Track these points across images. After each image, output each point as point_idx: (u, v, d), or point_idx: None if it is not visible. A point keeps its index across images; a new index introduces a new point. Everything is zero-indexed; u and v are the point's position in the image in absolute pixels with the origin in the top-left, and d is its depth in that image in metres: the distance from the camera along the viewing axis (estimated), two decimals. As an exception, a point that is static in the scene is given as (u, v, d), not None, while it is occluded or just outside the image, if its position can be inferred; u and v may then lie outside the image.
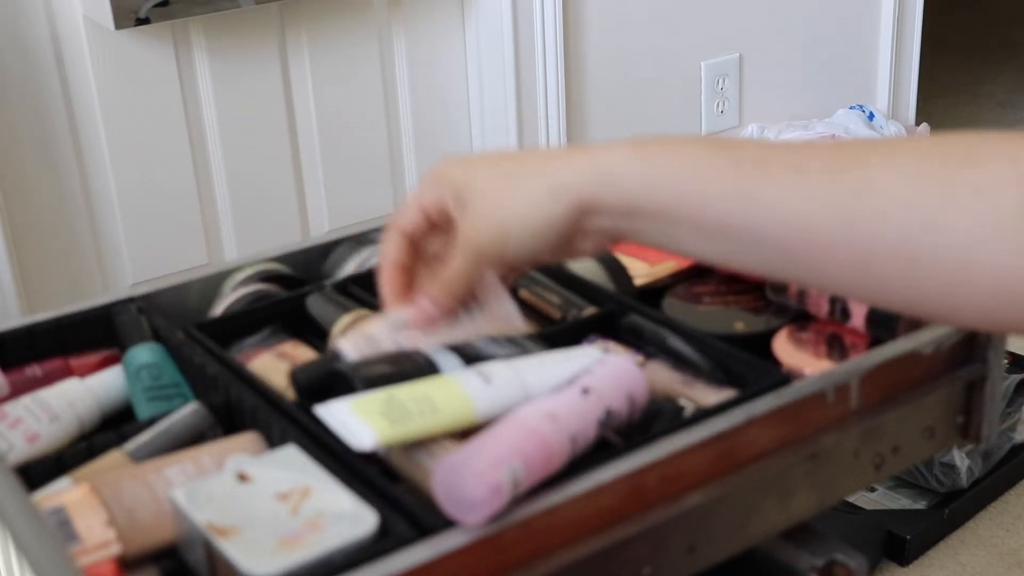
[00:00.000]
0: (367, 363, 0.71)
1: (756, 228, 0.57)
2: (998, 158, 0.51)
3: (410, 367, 0.70)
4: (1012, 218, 0.50)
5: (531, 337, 0.76)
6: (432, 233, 0.71)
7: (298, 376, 0.72)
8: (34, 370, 0.79)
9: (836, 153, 0.56)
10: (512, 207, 0.64)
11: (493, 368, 0.68)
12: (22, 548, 0.56)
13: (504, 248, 0.65)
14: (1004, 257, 0.50)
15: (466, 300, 0.71)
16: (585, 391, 0.65)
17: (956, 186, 0.51)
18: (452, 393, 0.65)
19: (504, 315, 0.73)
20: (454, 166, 0.68)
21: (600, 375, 0.66)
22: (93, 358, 0.80)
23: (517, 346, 0.74)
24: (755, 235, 0.57)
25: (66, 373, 0.78)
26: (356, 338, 0.74)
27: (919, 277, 0.52)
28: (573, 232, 0.64)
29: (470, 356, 0.72)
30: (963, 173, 0.52)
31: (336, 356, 0.72)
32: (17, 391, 0.77)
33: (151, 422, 0.72)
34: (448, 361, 0.71)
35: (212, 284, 0.88)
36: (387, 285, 0.72)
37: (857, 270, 0.55)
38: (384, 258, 0.72)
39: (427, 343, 0.72)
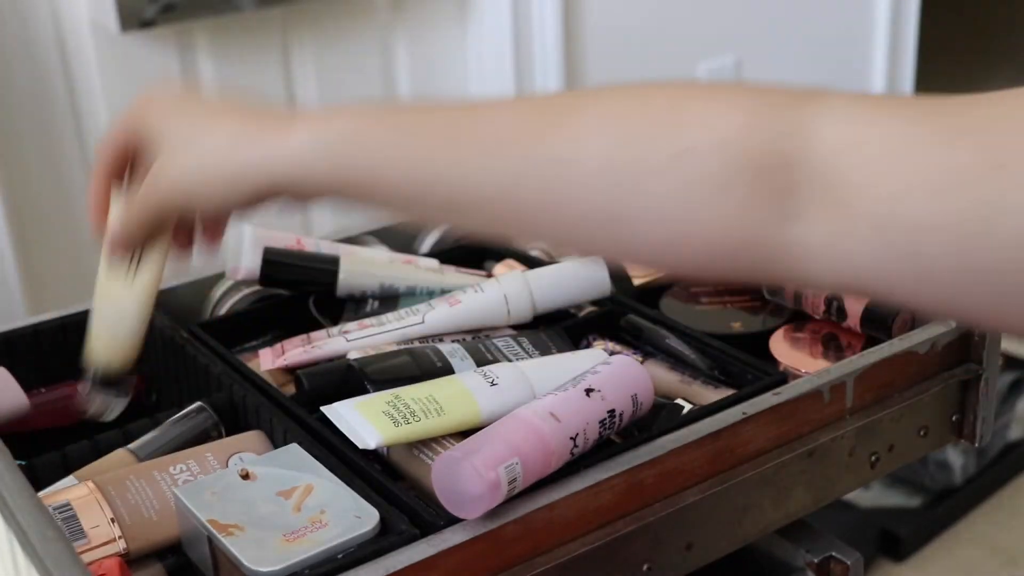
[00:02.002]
0: (377, 359, 0.71)
1: (458, 205, 0.55)
2: (698, 121, 0.50)
3: (420, 366, 0.71)
4: (707, 185, 0.49)
5: (552, 334, 0.77)
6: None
7: (305, 381, 0.71)
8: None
9: (546, 108, 0.54)
10: (200, 173, 0.61)
11: (499, 370, 0.68)
12: (28, 545, 0.56)
13: (187, 206, 0.63)
14: (703, 224, 0.49)
15: None
16: (589, 391, 0.65)
17: (658, 149, 0.50)
18: (457, 394, 0.66)
19: None
20: (153, 107, 0.65)
21: (605, 376, 0.66)
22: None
23: (538, 345, 0.75)
24: (460, 210, 0.55)
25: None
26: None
27: (629, 238, 0.51)
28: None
29: (485, 356, 0.73)
30: (666, 135, 0.50)
31: (347, 367, 0.72)
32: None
33: (155, 422, 0.72)
34: (461, 362, 0.72)
35: (215, 284, 0.88)
36: (92, 219, 0.69)
37: (567, 232, 0.53)
38: (91, 192, 0.68)
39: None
